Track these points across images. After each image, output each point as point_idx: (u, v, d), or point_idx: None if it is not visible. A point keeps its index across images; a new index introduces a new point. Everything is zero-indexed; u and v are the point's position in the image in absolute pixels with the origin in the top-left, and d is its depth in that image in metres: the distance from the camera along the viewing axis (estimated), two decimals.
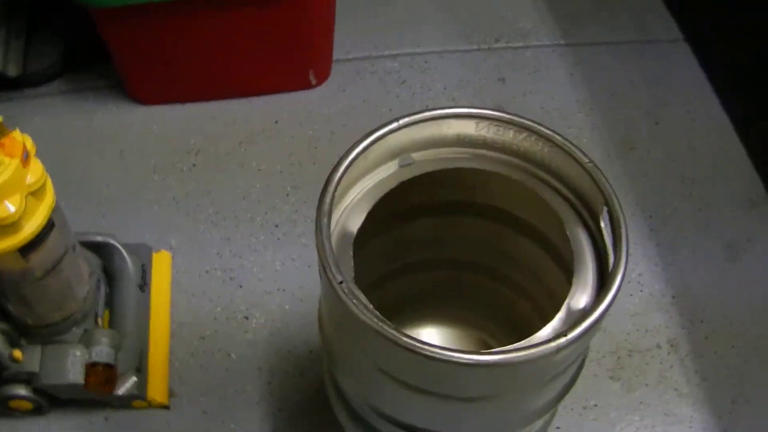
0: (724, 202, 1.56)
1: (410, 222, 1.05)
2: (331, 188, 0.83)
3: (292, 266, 1.44)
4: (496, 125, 0.91)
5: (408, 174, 0.92)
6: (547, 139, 0.89)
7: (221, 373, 1.33)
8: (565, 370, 0.86)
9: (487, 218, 1.03)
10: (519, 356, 0.73)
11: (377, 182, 0.92)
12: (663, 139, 1.65)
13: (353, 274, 0.82)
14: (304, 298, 1.40)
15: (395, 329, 0.73)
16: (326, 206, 0.81)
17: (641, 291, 1.43)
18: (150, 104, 1.66)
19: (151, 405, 1.27)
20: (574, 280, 0.85)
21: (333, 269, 0.76)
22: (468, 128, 0.92)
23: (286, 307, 1.40)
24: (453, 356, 0.72)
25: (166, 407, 1.28)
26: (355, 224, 0.89)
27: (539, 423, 0.97)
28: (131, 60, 1.59)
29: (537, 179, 0.93)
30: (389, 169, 0.93)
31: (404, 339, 0.72)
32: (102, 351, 1.19)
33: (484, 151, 0.95)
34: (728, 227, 1.52)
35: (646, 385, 1.34)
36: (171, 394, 1.29)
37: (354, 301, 0.75)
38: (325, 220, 0.79)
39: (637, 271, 1.45)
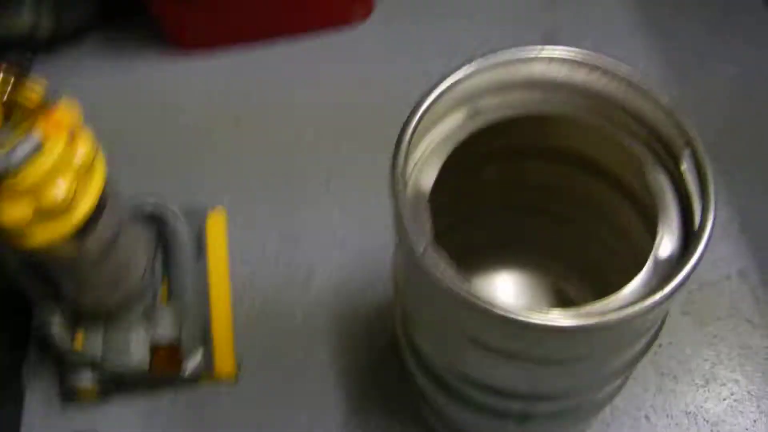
0: None
1: (478, 169, 1.01)
2: (403, 149, 0.79)
3: (349, 218, 1.41)
4: (568, 65, 0.86)
5: (477, 124, 0.88)
6: (623, 78, 0.84)
7: (288, 337, 1.30)
8: (653, 326, 0.82)
9: (558, 162, 0.99)
10: (615, 318, 0.70)
11: (446, 134, 0.88)
12: (725, 57, 1.57)
13: (432, 236, 0.79)
14: (364, 251, 1.36)
15: (486, 300, 0.69)
16: (400, 169, 0.77)
17: None
18: (191, 52, 1.60)
19: (218, 379, 1.23)
20: (659, 227, 0.81)
21: (413, 238, 0.73)
22: (538, 70, 0.87)
23: (347, 261, 1.36)
24: (550, 323, 0.69)
25: (234, 380, 1.25)
26: (427, 181, 0.85)
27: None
28: (169, 4, 1.52)
29: (611, 121, 0.89)
30: (457, 119, 0.89)
31: (497, 310, 0.69)
32: (165, 330, 1.16)
33: (554, 94, 0.90)
34: None
35: (718, 318, 1.31)
36: (240, 363, 1.26)
37: (440, 272, 0.72)
38: (401, 186, 0.76)
39: None
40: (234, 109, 1.52)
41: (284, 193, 1.43)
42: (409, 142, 0.80)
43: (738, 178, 1.42)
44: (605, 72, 0.85)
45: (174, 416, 1.22)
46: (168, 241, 1.24)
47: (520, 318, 0.68)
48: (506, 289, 1.20)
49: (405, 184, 0.77)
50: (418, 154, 0.85)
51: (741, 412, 1.22)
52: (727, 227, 1.38)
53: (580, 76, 0.87)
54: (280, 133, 1.50)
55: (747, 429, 1.21)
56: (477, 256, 1.15)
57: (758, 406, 1.22)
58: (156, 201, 1.24)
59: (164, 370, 1.14)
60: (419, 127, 0.82)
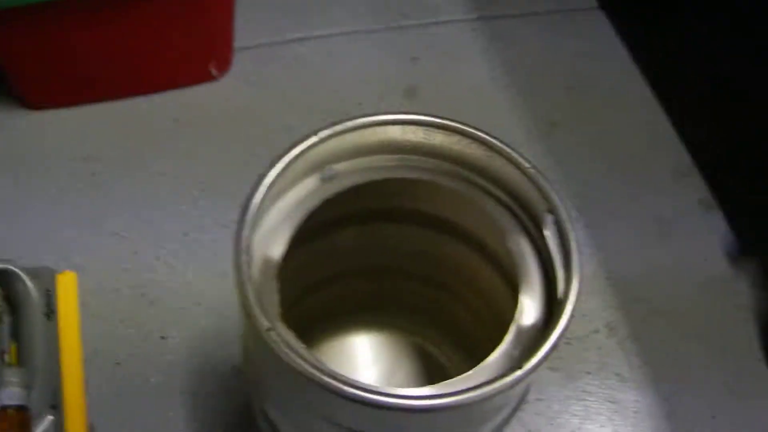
0: (651, 175, 1.52)
1: (335, 233, 0.96)
2: (248, 220, 0.74)
3: (205, 277, 1.34)
4: (424, 128, 0.83)
5: (331, 190, 0.83)
6: (482, 142, 0.81)
7: (142, 400, 1.22)
8: (517, 396, 0.79)
9: (418, 225, 0.96)
10: (474, 395, 0.66)
11: (298, 200, 0.83)
12: (585, 114, 1.59)
13: (280, 310, 0.73)
14: (221, 310, 1.29)
15: (336, 377, 0.64)
16: (244, 242, 0.71)
17: None
18: (41, 109, 1.51)
19: None
20: (521, 294, 0.78)
21: (259, 315, 0.67)
22: (394, 134, 0.84)
23: (203, 322, 1.29)
24: (402, 403, 0.65)
25: None
26: (277, 251, 0.80)
27: None
28: (18, 62, 1.44)
29: (471, 184, 0.86)
30: (310, 184, 0.84)
31: (349, 390, 0.64)
32: (12, 392, 1.05)
33: (412, 156, 0.86)
34: (657, 202, 1.49)
35: (587, 372, 1.30)
36: (91, 429, 1.17)
37: (286, 350, 0.66)
38: (245, 259, 0.70)
39: None
40: (86, 164, 1.43)
41: (139, 251, 1.35)
42: (255, 214, 0.75)
43: (606, 227, 1.43)
44: (463, 135, 0.82)
45: None
46: (16, 300, 1.15)
47: (368, 397, 0.63)
48: (366, 354, 1.15)
49: (250, 258, 0.71)
50: (267, 222, 0.80)
51: None
52: (593, 281, 1.38)
53: (437, 139, 0.84)
54: (135, 189, 1.42)
55: None
56: (337, 320, 1.11)
57: None
58: (1, 260, 1.14)
59: None
60: (268, 196, 0.77)
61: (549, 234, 0.78)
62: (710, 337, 1.34)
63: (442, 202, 0.88)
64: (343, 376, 0.65)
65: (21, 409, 1.06)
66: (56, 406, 1.12)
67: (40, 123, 1.51)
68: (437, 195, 0.87)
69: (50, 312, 1.19)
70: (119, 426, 1.19)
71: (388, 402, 0.65)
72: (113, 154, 1.47)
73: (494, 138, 0.79)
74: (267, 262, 0.77)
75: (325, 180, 0.84)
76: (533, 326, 0.77)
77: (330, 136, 0.79)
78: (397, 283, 1.07)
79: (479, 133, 0.80)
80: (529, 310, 0.78)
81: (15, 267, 1.16)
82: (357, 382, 0.65)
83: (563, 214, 0.76)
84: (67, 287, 1.26)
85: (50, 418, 1.10)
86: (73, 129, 1.50)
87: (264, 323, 0.67)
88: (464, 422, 0.75)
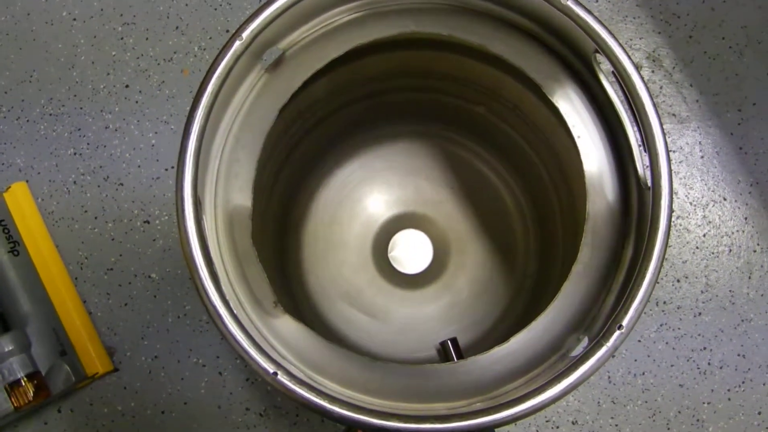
0: None
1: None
2: (187, 191, 0.50)
3: (169, 132, 1.10)
4: None
5: (284, 83, 0.58)
6: None
7: (151, 302, 1.06)
8: None
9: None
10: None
11: (245, 115, 0.58)
12: None
13: (274, 298, 0.53)
14: None
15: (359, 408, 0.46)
16: (190, 224, 0.49)
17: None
18: None
19: (97, 377, 1.03)
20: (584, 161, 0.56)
21: (258, 360, 0.47)
22: None
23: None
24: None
25: (114, 370, 1.04)
26: (242, 197, 0.57)
27: None
28: None
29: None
30: (252, 80, 0.59)
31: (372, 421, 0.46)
32: (12, 363, 0.96)
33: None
34: None
35: None
36: (111, 353, 1.04)
37: (298, 389, 0.47)
38: (203, 271, 0.48)
39: None
40: None
41: (83, 127, 1.13)
42: (195, 170, 0.51)
43: None
44: None
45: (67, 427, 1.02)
46: None
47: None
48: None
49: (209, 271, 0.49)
50: (210, 168, 0.56)
51: None
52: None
53: None
54: (53, 51, 1.15)
55: None
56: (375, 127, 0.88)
57: None
58: None
59: (31, 403, 0.95)
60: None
61: (603, 76, 0.54)
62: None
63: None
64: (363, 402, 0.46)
65: (32, 376, 0.96)
66: (65, 351, 1.01)
67: None
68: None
69: (14, 246, 1.02)
70: (138, 338, 1.06)
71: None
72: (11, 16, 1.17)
73: None
74: (233, 216, 0.55)
75: (269, 67, 0.58)
76: (608, 209, 0.55)
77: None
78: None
79: None
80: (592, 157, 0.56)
81: None
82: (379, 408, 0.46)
83: (619, 55, 0.52)
84: (22, 203, 1.07)
85: (64, 366, 1.00)
86: None
87: (267, 368, 0.47)
88: None
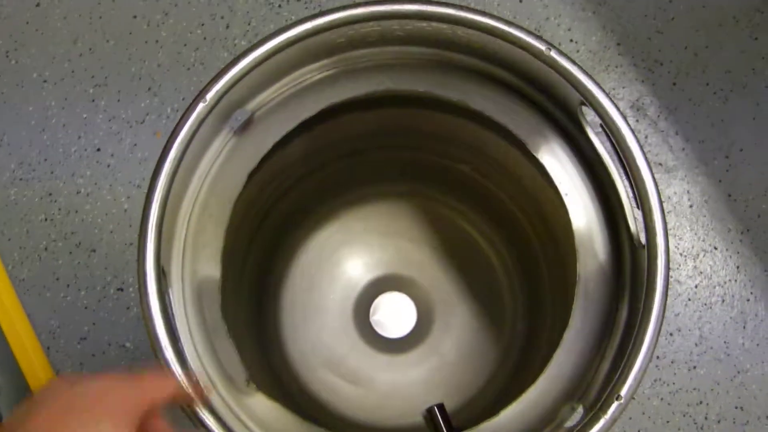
0: None
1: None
2: (150, 262, 0.47)
3: (141, 197, 1.06)
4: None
5: (254, 147, 0.55)
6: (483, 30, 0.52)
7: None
8: None
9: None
10: None
11: (212, 181, 0.55)
12: None
13: (247, 375, 0.49)
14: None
15: None
16: (153, 300, 0.45)
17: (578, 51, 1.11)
18: None
19: None
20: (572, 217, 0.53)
21: None
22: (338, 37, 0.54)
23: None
24: None
25: None
26: (210, 267, 0.53)
27: None
28: None
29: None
30: (219, 144, 0.55)
31: None
32: None
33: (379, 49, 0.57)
34: None
35: None
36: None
37: None
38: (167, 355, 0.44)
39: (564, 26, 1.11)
40: None
41: (54, 193, 1.09)
42: (157, 244, 0.48)
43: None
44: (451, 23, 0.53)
45: None
46: None
47: None
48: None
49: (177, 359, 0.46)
50: (176, 238, 0.53)
51: None
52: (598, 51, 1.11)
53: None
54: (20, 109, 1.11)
55: None
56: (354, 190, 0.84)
57: None
58: None
59: None
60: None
61: (592, 133, 0.52)
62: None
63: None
64: None
65: None
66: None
67: None
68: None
69: None
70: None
71: None
72: None
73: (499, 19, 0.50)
74: (201, 288, 0.52)
75: (238, 129, 0.55)
76: (600, 269, 0.52)
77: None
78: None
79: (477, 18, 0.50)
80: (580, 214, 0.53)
81: None
82: None
83: (606, 107, 0.49)
84: None
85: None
86: None
87: None
88: None
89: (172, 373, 0.46)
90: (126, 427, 0.38)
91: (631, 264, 0.53)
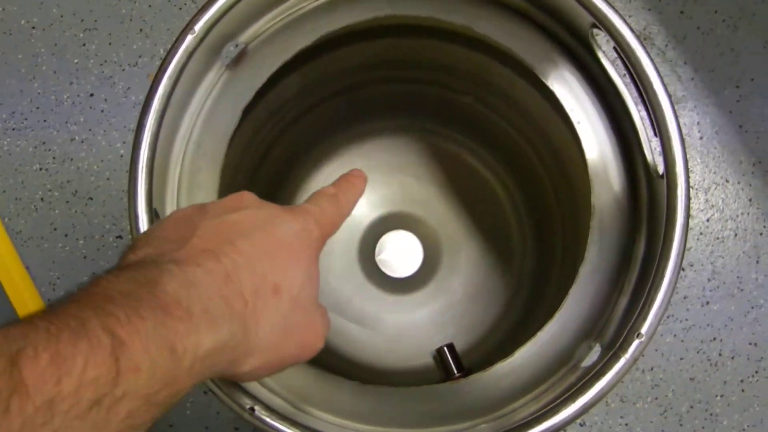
0: None
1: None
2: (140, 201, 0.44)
3: None
4: None
5: (247, 81, 0.52)
6: None
7: None
8: None
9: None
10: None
11: (206, 117, 0.52)
12: None
13: None
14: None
15: None
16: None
17: None
18: None
19: None
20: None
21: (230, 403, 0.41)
22: None
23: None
24: None
25: None
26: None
27: None
28: None
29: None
30: (211, 79, 0.53)
31: None
32: None
33: None
34: None
35: None
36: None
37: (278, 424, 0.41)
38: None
39: None
40: None
41: (48, 141, 1.06)
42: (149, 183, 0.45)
43: None
44: None
45: None
46: None
47: None
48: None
49: None
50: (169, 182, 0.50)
51: None
52: None
53: None
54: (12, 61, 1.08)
55: None
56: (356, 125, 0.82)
57: None
58: None
59: None
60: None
61: (601, 53, 0.49)
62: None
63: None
64: None
65: None
66: None
67: None
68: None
69: None
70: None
71: None
72: None
73: None
74: None
75: (230, 63, 0.52)
76: (615, 202, 0.50)
77: None
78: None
79: None
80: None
81: None
82: None
83: (620, 29, 0.46)
84: None
85: None
86: None
87: (243, 403, 0.41)
88: None
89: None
90: None
91: (648, 195, 0.50)
